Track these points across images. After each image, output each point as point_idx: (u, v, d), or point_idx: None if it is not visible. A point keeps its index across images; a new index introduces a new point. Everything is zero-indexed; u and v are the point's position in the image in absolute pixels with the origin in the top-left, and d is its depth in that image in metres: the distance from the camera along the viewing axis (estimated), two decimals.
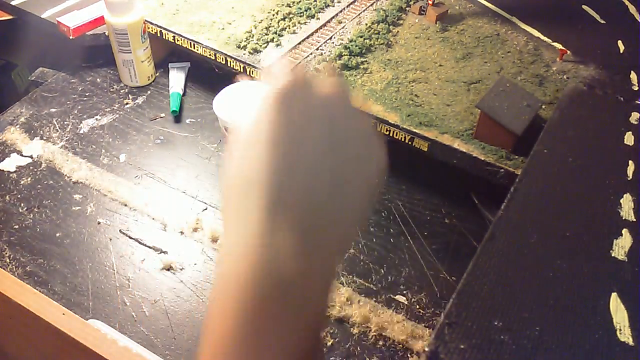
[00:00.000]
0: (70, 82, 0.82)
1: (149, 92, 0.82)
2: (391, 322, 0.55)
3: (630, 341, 0.41)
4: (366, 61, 0.75)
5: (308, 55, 0.75)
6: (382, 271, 0.60)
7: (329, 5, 0.85)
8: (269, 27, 0.79)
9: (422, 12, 0.84)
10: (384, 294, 0.58)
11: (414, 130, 0.65)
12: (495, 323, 0.40)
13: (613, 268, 0.46)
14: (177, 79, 0.82)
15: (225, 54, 0.75)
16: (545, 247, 0.47)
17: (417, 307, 0.57)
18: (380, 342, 0.54)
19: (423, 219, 0.66)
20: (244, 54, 0.75)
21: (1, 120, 0.75)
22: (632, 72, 0.74)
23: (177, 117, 0.78)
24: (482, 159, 0.62)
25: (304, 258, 0.26)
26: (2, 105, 0.78)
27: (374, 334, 0.54)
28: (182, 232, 0.63)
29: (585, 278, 0.45)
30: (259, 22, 0.80)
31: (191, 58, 0.84)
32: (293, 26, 0.80)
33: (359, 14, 0.84)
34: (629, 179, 0.55)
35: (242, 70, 0.74)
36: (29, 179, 0.68)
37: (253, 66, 0.73)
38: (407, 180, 0.71)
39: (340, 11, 0.84)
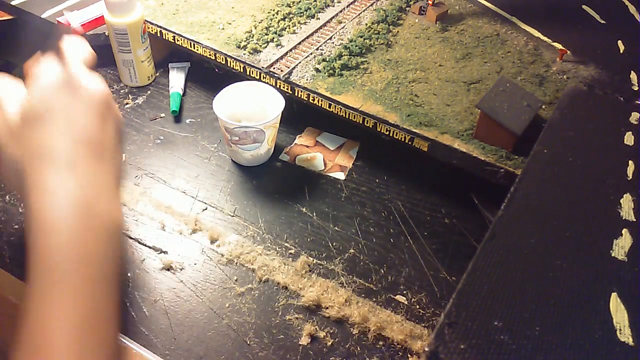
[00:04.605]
0: None
1: (148, 92, 0.82)
2: (391, 322, 0.55)
3: (630, 341, 0.41)
4: (366, 61, 0.75)
5: (308, 55, 0.75)
6: (382, 271, 0.60)
7: (329, 5, 0.85)
8: (269, 27, 0.79)
9: (422, 12, 0.84)
10: (383, 294, 0.58)
11: (414, 130, 0.65)
12: (496, 323, 0.40)
13: (613, 268, 0.46)
14: (177, 79, 0.82)
15: (225, 54, 0.75)
16: (545, 247, 0.47)
17: (417, 307, 0.57)
18: (380, 342, 0.54)
19: (423, 219, 0.66)
20: (244, 54, 0.75)
21: None
22: (632, 72, 0.74)
23: (177, 117, 0.78)
24: (482, 159, 0.62)
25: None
26: None
27: (374, 334, 0.54)
28: (181, 232, 0.63)
29: (585, 278, 0.45)
30: (259, 22, 0.80)
31: (191, 58, 0.84)
32: (293, 26, 0.80)
33: (359, 14, 0.84)
34: (628, 178, 0.55)
35: (242, 71, 0.74)
36: None
37: (253, 66, 0.73)
38: (407, 180, 0.71)
39: (340, 11, 0.84)
